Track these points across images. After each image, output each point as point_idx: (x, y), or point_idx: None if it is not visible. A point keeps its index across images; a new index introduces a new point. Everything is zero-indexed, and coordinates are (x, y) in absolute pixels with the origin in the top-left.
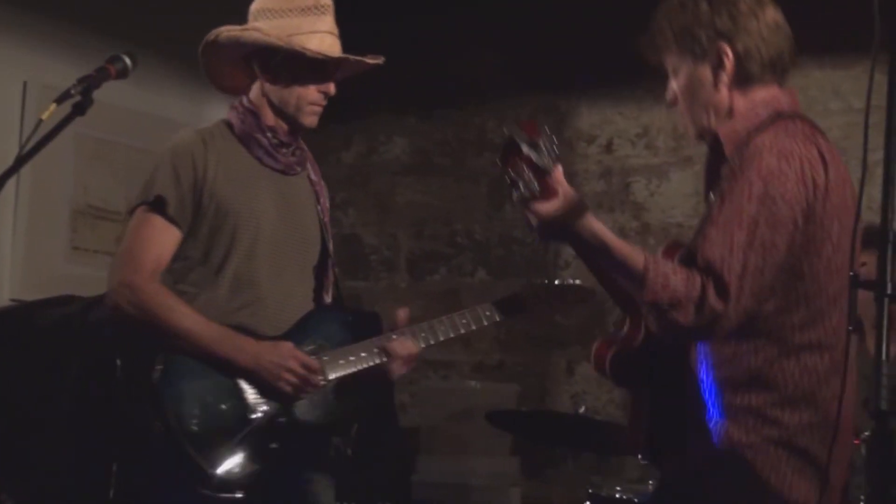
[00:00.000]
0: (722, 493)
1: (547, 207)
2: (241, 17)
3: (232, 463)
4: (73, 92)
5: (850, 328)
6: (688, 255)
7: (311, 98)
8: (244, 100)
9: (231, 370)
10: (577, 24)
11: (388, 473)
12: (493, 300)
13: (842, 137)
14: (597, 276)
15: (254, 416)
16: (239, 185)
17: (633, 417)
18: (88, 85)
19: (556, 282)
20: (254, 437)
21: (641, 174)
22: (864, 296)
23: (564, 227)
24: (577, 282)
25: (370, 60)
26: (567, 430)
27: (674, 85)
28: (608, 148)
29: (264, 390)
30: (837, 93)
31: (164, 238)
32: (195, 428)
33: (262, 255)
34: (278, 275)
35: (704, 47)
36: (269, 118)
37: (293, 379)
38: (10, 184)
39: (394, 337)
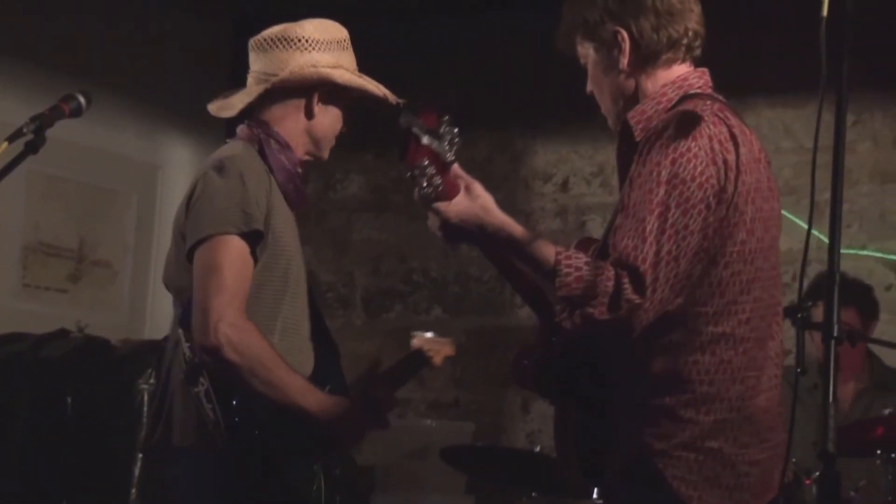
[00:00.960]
0: (634, 503)
1: (452, 206)
2: (192, 55)
3: None
4: (25, 130)
5: (799, 370)
6: (602, 247)
7: (334, 135)
8: (273, 132)
9: (305, 419)
10: (534, 64)
11: None
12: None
13: (792, 177)
14: (510, 281)
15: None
16: (282, 220)
17: (561, 435)
18: (41, 123)
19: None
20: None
21: (597, 212)
22: None
23: (471, 225)
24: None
25: (393, 99)
26: (522, 469)
27: (588, 73)
28: (564, 186)
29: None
30: (789, 132)
31: (249, 274)
32: (285, 466)
33: (301, 297)
34: (306, 318)
35: (602, 33)
36: (300, 152)
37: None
38: None
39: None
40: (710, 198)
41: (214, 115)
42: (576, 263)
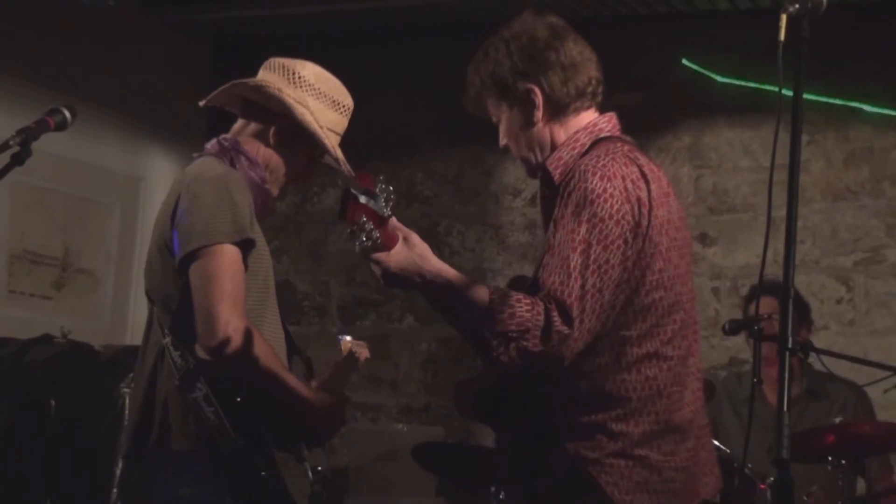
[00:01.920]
0: None
1: (392, 256)
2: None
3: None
4: (11, 143)
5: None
6: (532, 284)
7: (291, 176)
8: (242, 149)
9: (301, 416)
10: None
11: None
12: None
13: (750, 194)
14: (449, 320)
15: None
16: (258, 230)
17: (498, 459)
18: (27, 136)
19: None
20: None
21: None
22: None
23: (410, 273)
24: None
25: (348, 173)
26: (490, 470)
27: (501, 129)
28: (532, 201)
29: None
30: (747, 151)
31: (244, 280)
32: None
33: (274, 301)
34: (279, 320)
35: (514, 91)
36: (264, 174)
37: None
38: None
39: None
40: (627, 233)
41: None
42: (508, 301)
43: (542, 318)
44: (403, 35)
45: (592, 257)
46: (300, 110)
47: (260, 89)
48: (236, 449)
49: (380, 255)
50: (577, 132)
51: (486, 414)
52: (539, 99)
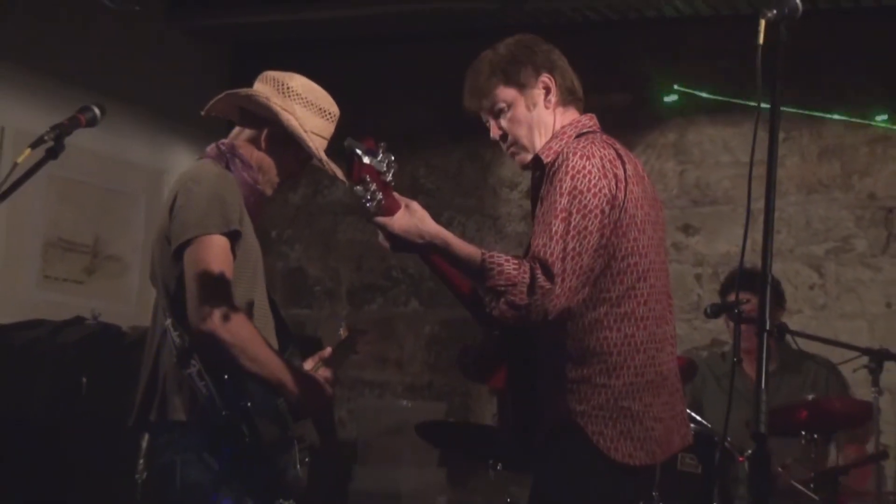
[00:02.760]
0: (561, 457)
1: (395, 220)
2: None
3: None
4: (46, 138)
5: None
6: (526, 250)
7: (282, 176)
8: (238, 153)
9: (282, 391)
10: None
11: (326, 482)
12: (336, 344)
13: (731, 187)
14: (447, 284)
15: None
16: (248, 224)
17: (501, 417)
18: (61, 132)
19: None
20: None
21: None
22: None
23: (412, 235)
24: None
25: (341, 178)
26: (489, 443)
27: (502, 122)
28: (527, 194)
29: (301, 408)
30: (727, 148)
31: (231, 267)
32: (269, 436)
33: (263, 289)
34: (268, 307)
35: (528, 79)
36: (257, 175)
37: (325, 400)
38: None
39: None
40: (605, 204)
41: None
42: (498, 260)
43: (527, 274)
44: (407, 41)
45: (573, 224)
46: (286, 116)
47: (251, 98)
48: (223, 419)
49: (384, 219)
50: (563, 127)
51: (483, 376)
52: (554, 85)
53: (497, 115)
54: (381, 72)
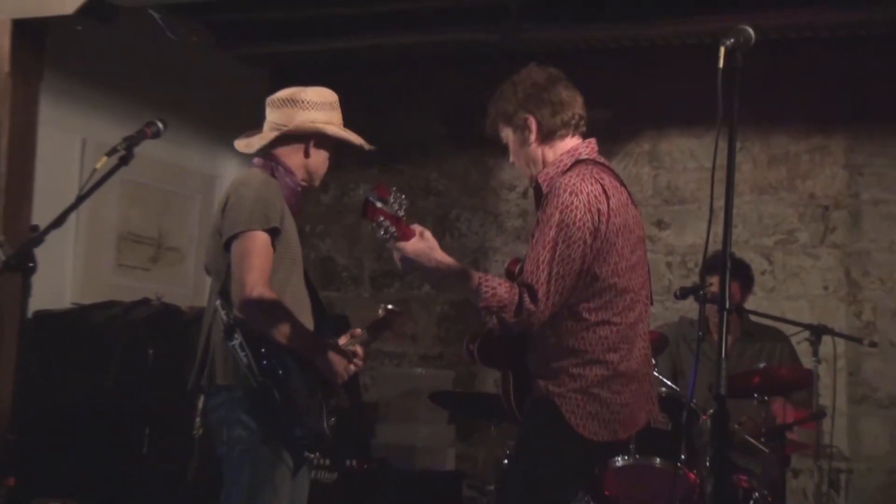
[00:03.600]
0: (539, 429)
1: (409, 245)
2: (241, 92)
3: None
4: (119, 148)
5: (700, 333)
6: (522, 266)
7: (325, 170)
8: (281, 162)
9: (312, 362)
10: None
11: (354, 436)
12: (367, 324)
13: (696, 189)
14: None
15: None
16: (289, 223)
17: (503, 391)
18: (131, 143)
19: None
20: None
21: None
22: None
23: (422, 258)
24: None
25: (367, 146)
26: (491, 406)
27: (509, 148)
28: (524, 194)
29: (328, 374)
30: (693, 155)
31: (271, 258)
32: (299, 399)
33: (300, 278)
34: (305, 292)
35: (517, 120)
36: (300, 178)
37: (346, 371)
38: (72, 216)
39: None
40: (587, 235)
41: (239, 150)
42: (492, 284)
43: (516, 297)
44: (422, 66)
45: (558, 252)
46: (329, 128)
47: (294, 131)
48: (259, 385)
49: (400, 244)
50: (561, 154)
51: (485, 361)
52: (534, 126)
53: (506, 146)
54: (398, 91)
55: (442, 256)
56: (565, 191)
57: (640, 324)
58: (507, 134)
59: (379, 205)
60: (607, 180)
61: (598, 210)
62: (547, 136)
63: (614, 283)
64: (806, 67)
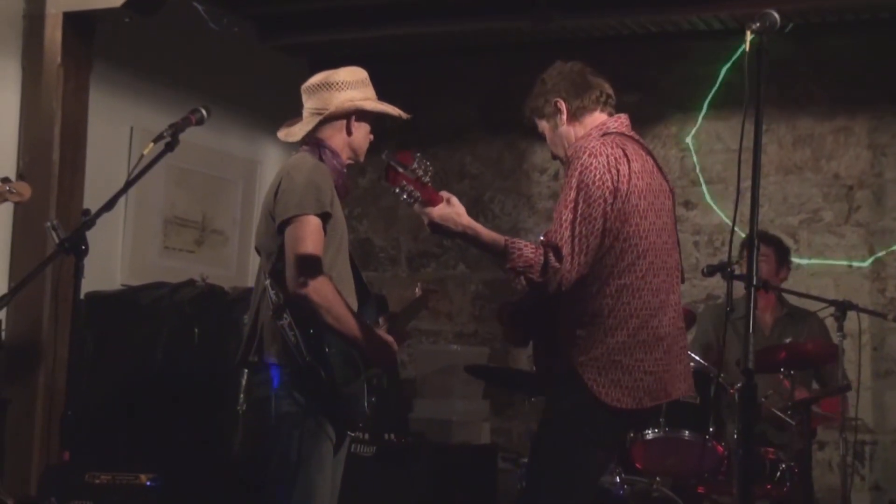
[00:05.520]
0: (564, 398)
1: (436, 210)
2: (281, 80)
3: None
4: (165, 134)
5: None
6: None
7: (366, 145)
8: (326, 145)
9: (356, 344)
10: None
11: (392, 411)
12: (405, 304)
13: (722, 170)
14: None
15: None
16: (337, 205)
17: (535, 358)
18: (176, 129)
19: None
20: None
21: None
22: None
23: (448, 222)
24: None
25: (405, 115)
26: (524, 381)
27: (546, 140)
28: (555, 177)
29: (372, 357)
30: (720, 137)
31: (322, 243)
32: (343, 379)
33: (346, 259)
34: (350, 273)
35: (547, 107)
36: (345, 158)
37: (392, 357)
38: (122, 201)
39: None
40: (607, 194)
41: (282, 140)
42: (518, 245)
43: (541, 257)
44: (455, 53)
45: (579, 212)
46: (367, 103)
47: (335, 112)
48: (306, 363)
49: (428, 209)
50: (590, 129)
51: (517, 327)
52: (563, 107)
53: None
54: (433, 78)
55: (469, 221)
56: (585, 153)
57: (667, 293)
58: (542, 126)
59: (400, 170)
60: (630, 147)
61: (618, 171)
62: (576, 115)
63: (635, 245)
64: (829, 51)
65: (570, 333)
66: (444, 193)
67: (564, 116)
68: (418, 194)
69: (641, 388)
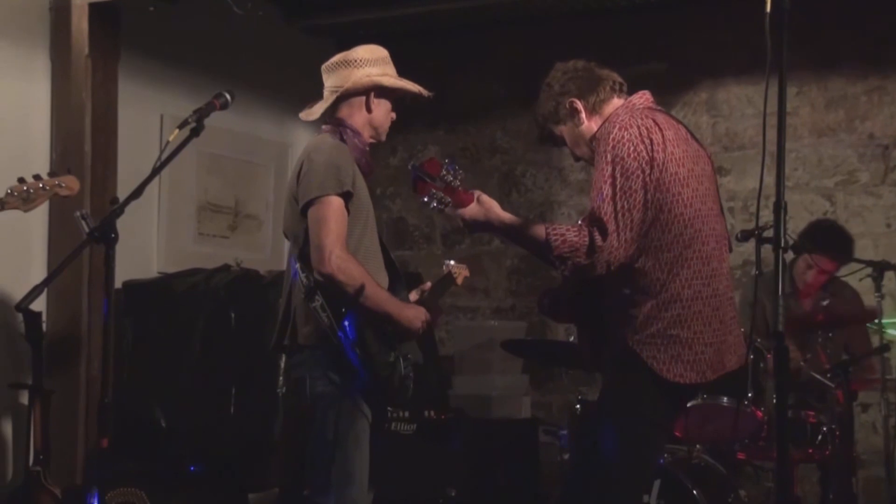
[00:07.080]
0: (622, 378)
1: (466, 210)
2: (308, 63)
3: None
4: (190, 120)
5: (756, 272)
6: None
7: (388, 122)
8: (347, 124)
9: (388, 320)
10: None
11: (431, 388)
12: (434, 281)
13: (754, 135)
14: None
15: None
16: (360, 184)
17: (581, 345)
18: (201, 115)
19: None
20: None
21: None
22: None
23: (480, 220)
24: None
25: (425, 93)
26: (562, 354)
27: (567, 144)
28: None
29: (405, 332)
30: (751, 102)
31: (346, 222)
32: (377, 356)
33: (374, 236)
34: (379, 251)
35: (561, 110)
36: (366, 137)
37: (423, 324)
38: (154, 187)
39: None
40: (644, 164)
41: (303, 119)
42: (559, 231)
43: (586, 238)
44: (481, 29)
45: (619, 186)
46: (385, 79)
47: (352, 89)
48: (340, 343)
49: (458, 211)
50: (616, 110)
51: (557, 314)
52: (580, 105)
53: (563, 144)
54: (459, 54)
55: (503, 215)
56: (615, 126)
57: (719, 261)
58: (560, 130)
59: (427, 179)
60: (661, 118)
61: (651, 140)
62: (595, 109)
63: (680, 214)
64: (858, 9)
65: (622, 313)
66: (474, 192)
67: (583, 114)
68: (448, 199)
69: (703, 361)
